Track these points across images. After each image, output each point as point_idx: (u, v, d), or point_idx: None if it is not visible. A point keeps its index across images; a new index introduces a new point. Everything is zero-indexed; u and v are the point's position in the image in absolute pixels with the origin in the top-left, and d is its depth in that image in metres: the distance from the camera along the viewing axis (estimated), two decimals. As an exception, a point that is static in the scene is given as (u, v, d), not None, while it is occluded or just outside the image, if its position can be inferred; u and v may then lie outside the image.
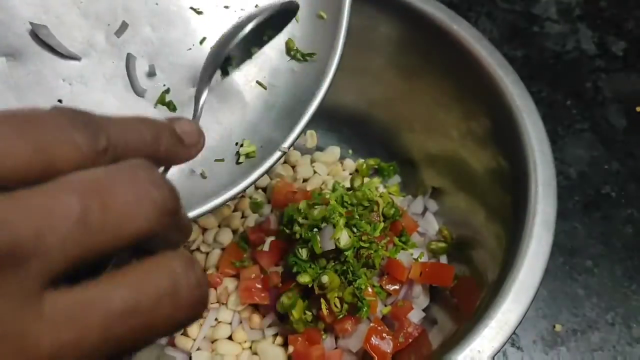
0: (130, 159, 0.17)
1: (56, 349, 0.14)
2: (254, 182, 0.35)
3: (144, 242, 0.17)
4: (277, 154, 0.35)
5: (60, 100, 0.35)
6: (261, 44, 0.38)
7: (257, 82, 0.39)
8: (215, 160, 0.37)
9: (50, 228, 0.14)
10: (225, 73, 0.37)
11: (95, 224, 0.15)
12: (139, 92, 0.37)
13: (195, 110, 0.35)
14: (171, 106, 0.37)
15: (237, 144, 0.38)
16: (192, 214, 0.33)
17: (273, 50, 0.39)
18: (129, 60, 0.37)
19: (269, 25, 0.36)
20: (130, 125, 0.19)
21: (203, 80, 0.35)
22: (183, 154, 0.22)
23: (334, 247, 0.43)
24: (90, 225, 0.15)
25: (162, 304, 0.16)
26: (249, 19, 0.35)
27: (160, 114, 0.37)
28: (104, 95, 0.36)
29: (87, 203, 0.15)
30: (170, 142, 0.21)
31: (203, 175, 0.36)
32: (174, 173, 0.35)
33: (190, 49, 0.38)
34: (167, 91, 0.37)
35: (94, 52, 0.37)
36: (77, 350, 0.15)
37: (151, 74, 0.37)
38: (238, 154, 0.37)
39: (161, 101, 0.37)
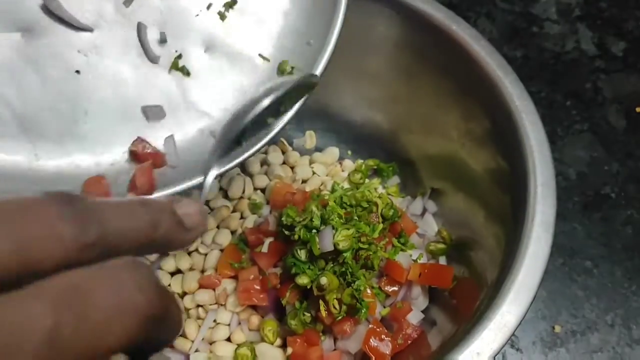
0: (115, 259, 0.17)
1: None
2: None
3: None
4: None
5: (77, 72, 0.36)
6: (277, 114, 0.37)
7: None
8: None
9: (17, 346, 0.14)
10: (238, 144, 0.36)
11: (67, 339, 0.14)
12: (152, 59, 0.38)
13: (204, 186, 0.33)
14: (184, 71, 0.38)
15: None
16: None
17: None
18: (140, 28, 0.37)
19: (286, 97, 0.35)
20: (127, 210, 0.18)
21: (214, 155, 0.34)
22: (182, 238, 0.20)
23: (332, 248, 0.43)
24: (62, 341, 0.14)
25: None
26: (265, 93, 0.34)
27: (175, 79, 0.38)
28: (119, 64, 0.37)
29: (60, 315, 0.14)
30: (169, 227, 0.20)
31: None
32: (195, 136, 0.37)
33: (197, 14, 0.39)
34: (180, 57, 0.38)
35: (105, 22, 0.37)
36: None
37: (162, 40, 0.38)
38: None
39: (175, 66, 0.38)
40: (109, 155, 0.36)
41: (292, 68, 0.39)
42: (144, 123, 0.37)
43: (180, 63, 0.38)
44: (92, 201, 0.17)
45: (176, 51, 0.38)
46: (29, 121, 0.35)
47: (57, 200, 0.16)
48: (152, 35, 0.38)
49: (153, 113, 0.37)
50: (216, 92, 0.39)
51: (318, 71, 0.38)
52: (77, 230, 0.16)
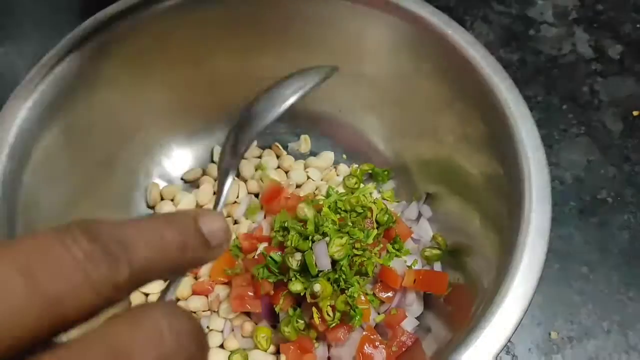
0: (151, 307, 0.15)
1: None
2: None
3: None
4: None
5: None
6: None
7: None
8: None
9: None
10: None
11: None
12: None
13: (219, 193, 0.29)
14: None
15: None
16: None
17: None
18: None
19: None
20: (155, 235, 0.16)
21: (232, 156, 0.30)
22: (206, 259, 0.19)
23: (330, 267, 0.43)
24: None
25: None
26: (291, 89, 0.31)
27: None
28: None
29: None
30: (196, 248, 0.18)
31: None
32: None
33: None
34: None
35: None
36: None
37: None
38: None
39: None
40: None
41: None
42: None
43: None
44: (115, 228, 0.16)
45: None
46: None
47: (79, 235, 0.15)
48: None
49: None
50: None
51: None
52: (108, 272, 0.14)
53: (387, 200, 0.54)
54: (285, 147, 0.58)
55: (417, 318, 0.47)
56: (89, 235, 0.15)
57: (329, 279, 0.43)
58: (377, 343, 0.43)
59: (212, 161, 0.57)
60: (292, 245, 0.44)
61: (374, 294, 0.46)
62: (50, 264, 0.14)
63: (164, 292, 0.22)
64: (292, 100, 0.31)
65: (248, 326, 0.47)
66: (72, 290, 0.14)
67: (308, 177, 0.55)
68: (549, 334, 0.50)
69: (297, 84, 0.31)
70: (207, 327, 0.47)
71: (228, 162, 0.30)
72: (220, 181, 0.29)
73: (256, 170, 0.56)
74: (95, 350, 0.14)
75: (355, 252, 0.44)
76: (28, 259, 0.14)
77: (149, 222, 0.17)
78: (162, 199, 0.54)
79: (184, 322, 0.15)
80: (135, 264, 0.15)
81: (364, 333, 0.44)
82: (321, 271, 0.43)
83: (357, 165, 0.56)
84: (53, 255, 0.14)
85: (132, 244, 0.15)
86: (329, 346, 0.45)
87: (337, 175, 0.56)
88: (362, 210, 0.48)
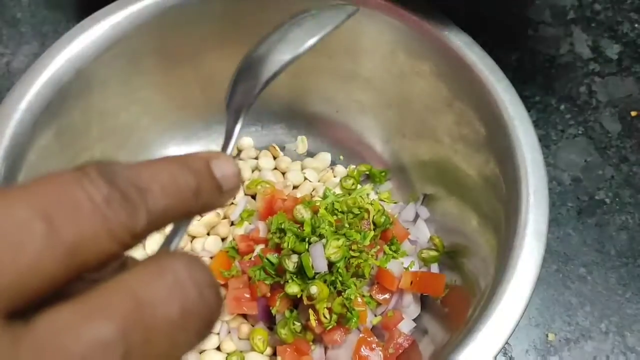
0: (170, 257, 0.15)
1: None
2: None
3: None
4: None
5: None
6: None
7: None
8: None
9: None
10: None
11: None
12: None
13: (229, 136, 0.26)
14: None
15: None
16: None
17: None
18: None
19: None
20: (171, 180, 0.16)
21: (244, 96, 0.27)
22: (218, 204, 0.18)
23: (327, 269, 0.43)
24: None
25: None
26: (309, 31, 0.28)
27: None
28: None
29: (129, 340, 0.12)
30: (209, 193, 0.17)
31: None
32: None
33: None
34: None
35: None
36: None
37: None
38: None
39: None
40: None
41: None
42: None
43: None
44: (131, 171, 0.15)
45: None
46: None
47: (97, 177, 0.14)
48: None
49: None
50: None
51: None
52: (127, 219, 0.14)
53: (385, 201, 0.54)
54: (282, 148, 0.58)
55: (414, 320, 0.47)
56: (106, 178, 0.14)
57: (325, 281, 0.43)
58: (373, 345, 0.43)
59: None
60: (289, 247, 0.44)
61: (370, 296, 0.46)
62: (69, 208, 0.13)
63: (167, 239, 0.21)
64: (312, 42, 0.28)
65: (245, 328, 0.46)
66: (91, 236, 0.13)
67: (305, 179, 0.55)
68: (547, 335, 0.49)
69: (319, 26, 0.28)
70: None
71: (239, 102, 0.27)
72: (230, 123, 0.26)
73: (252, 171, 0.56)
74: (118, 300, 0.13)
75: (352, 253, 0.44)
76: (46, 203, 0.13)
77: (164, 165, 0.16)
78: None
79: (205, 275, 0.15)
80: (152, 210, 0.15)
81: (360, 335, 0.44)
82: (318, 273, 0.43)
83: (354, 167, 0.56)
84: (71, 198, 0.13)
85: (149, 189, 0.15)
86: (326, 348, 0.45)
87: (334, 176, 0.56)
88: (359, 212, 0.48)
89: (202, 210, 0.18)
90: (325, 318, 0.42)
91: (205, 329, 0.15)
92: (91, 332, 0.12)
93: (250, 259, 0.48)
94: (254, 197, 0.54)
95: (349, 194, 0.52)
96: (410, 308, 0.47)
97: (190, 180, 0.16)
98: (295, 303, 0.45)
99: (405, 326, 0.46)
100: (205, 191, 0.17)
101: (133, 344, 0.13)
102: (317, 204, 0.48)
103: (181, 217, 0.17)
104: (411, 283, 0.46)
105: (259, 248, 0.48)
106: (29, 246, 0.12)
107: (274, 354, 0.45)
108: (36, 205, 0.13)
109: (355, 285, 0.44)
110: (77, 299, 0.13)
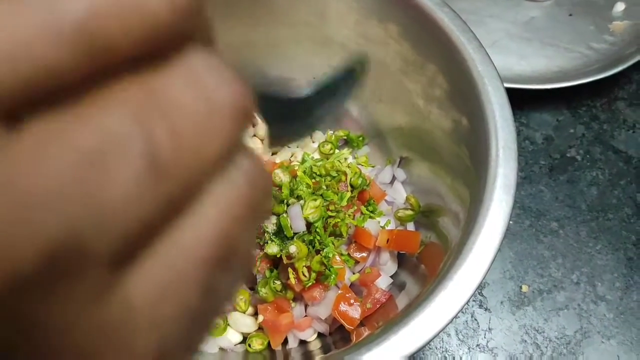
0: (187, 55, 0.12)
1: None
2: None
3: None
4: None
5: None
6: None
7: None
8: None
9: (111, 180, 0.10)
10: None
11: (166, 159, 0.10)
12: None
13: None
14: None
15: None
16: None
17: None
18: None
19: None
20: None
21: None
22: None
23: (305, 229, 0.44)
24: (162, 164, 0.10)
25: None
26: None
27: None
28: None
29: (150, 131, 0.10)
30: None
31: None
32: None
33: None
34: None
35: None
36: None
37: None
38: None
39: None
40: None
41: None
42: None
43: None
44: None
45: None
46: None
47: None
48: None
49: None
50: None
51: None
52: None
53: (362, 165, 0.55)
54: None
55: (392, 277, 0.48)
56: None
57: (304, 241, 0.44)
58: (352, 301, 0.45)
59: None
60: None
61: (348, 254, 0.47)
62: None
63: None
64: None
65: (227, 290, 0.48)
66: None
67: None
68: (520, 287, 0.51)
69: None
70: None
71: None
72: None
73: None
74: (132, 92, 0.10)
75: (330, 214, 0.45)
76: None
77: None
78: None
79: (223, 66, 0.12)
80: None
81: (339, 292, 0.45)
82: (296, 233, 0.44)
83: (332, 132, 0.57)
84: None
85: None
86: (306, 305, 0.46)
87: (313, 142, 0.57)
88: (336, 175, 0.49)
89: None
90: (305, 276, 0.44)
91: (239, 120, 0.12)
92: (101, 124, 0.10)
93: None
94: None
95: (327, 159, 0.53)
96: (388, 265, 0.48)
97: None
98: (275, 263, 0.46)
99: (383, 282, 0.47)
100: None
101: (156, 136, 0.10)
102: (295, 168, 0.49)
103: None
104: (387, 241, 0.47)
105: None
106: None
107: (256, 313, 0.47)
108: None
109: (334, 244, 0.45)
110: (84, 99, 0.10)
